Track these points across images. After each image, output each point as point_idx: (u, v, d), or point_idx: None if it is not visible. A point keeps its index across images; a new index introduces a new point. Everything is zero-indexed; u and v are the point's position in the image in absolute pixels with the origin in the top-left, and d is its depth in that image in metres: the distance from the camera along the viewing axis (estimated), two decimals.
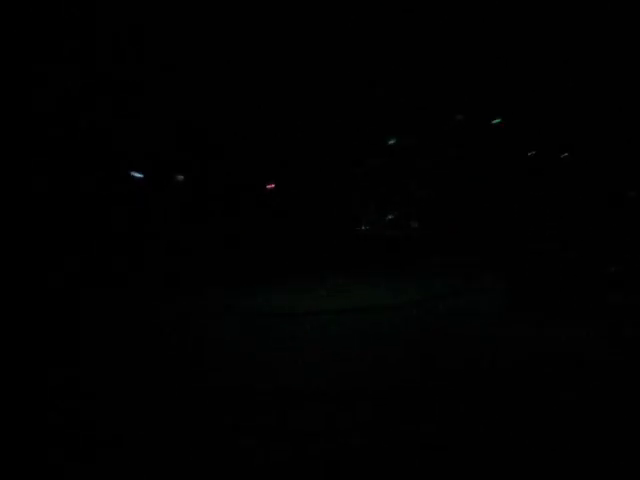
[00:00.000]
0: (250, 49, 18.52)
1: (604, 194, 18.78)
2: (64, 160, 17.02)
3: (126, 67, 17.44)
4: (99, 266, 15.35)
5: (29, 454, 4.61)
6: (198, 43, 17.93)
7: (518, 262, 11.31)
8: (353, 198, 18.54)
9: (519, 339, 8.36)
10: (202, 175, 19.07)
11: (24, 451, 4.66)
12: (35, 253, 14.92)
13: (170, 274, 14.97)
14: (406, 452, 4.61)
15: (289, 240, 17.21)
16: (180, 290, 13.37)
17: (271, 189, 18.66)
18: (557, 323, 9.27)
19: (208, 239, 17.22)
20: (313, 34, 18.24)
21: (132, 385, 6.46)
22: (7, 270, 13.18)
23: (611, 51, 18.97)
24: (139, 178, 19.17)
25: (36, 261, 14.67)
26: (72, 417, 5.47)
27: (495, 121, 19.43)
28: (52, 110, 16.75)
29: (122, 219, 17.60)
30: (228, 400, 5.89)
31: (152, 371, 7.04)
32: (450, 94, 19.86)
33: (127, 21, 17.26)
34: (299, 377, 6.61)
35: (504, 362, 7.19)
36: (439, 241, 17.61)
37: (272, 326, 9.55)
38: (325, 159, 19.02)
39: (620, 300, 10.80)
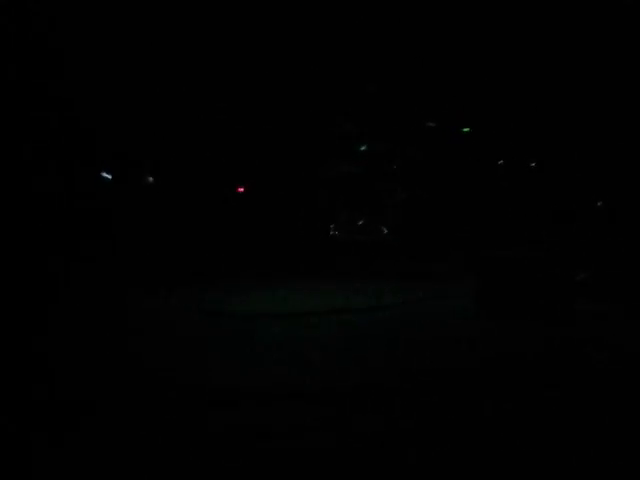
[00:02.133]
0: (217, 45, 18.47)
1: (573, 203, 19.11)
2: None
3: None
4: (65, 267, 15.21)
5: None
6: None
7: (487, 268, 11.40)
8: (324, 203, 18.59)
9: (490, 341, 8.45)
10: (172, 177, 19.00)
11: None
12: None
13: (136, 273, 14.89)
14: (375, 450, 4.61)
15: (257, 243, 17.23)
16: (145, 289, 13.31)
17: (241, 192, 18.63)
18: (525, 327, 9.38)
19: (175, 239, 17.16)
20: (283, 32, 18.28)
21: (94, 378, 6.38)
22: None
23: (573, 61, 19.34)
24: (108, 179, 19.00)
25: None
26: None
27: (465, 129, 19.67)
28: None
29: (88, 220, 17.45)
30: (180, 397, 5.86)
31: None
32: (422, 101, 20.09)
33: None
34: (260, 378, 6.58)
35: (476, 362, 7.25)
36: (409, 247, 17.75)
37: (232, 327, 9.51)
38: (297, 163, 19.07)
39: (587, 307, 10.97)
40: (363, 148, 19.16)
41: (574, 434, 4.96)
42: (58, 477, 4.17)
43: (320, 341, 8.44)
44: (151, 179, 19.57)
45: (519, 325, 9.59)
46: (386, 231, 18.58)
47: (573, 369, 7.00)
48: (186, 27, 17.61)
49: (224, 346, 8.11)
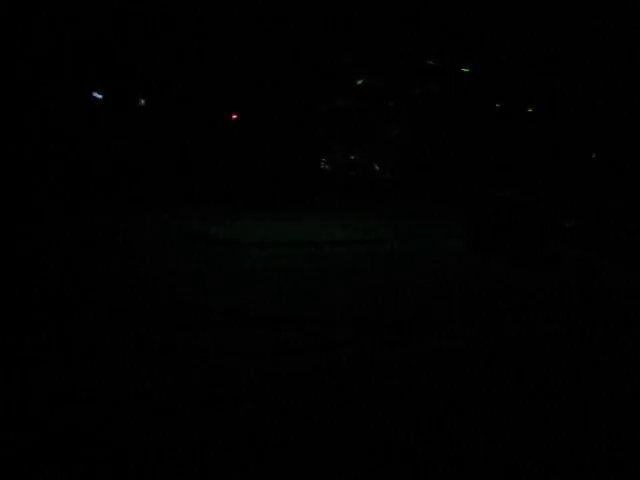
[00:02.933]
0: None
1: (568, 152, 19.02)
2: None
3: None
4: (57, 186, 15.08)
5: None
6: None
7: (477, 208, 11.35)
8: (317, 136, 18.37)
9: (479, 274, 8.45)
10: (165, 100, 18.68)
11: None
12: None
13: (128, 195, 14.80)
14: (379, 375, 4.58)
15: (248, 172, 17.09)
16: (136, 210, 13.23)
17: (235, 119, 18.34)
18: (510, 269, 9.38)
19: (168, 163, 16.99)
20: None
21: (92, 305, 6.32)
22: None
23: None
24: (98, 99, 18.65)
25: None
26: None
27: (464, 69, 19.37)
28: None
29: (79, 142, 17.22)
30: (186, 318, 5.80)
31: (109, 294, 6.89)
32: (422, 39, 19.71)
33: None
34: (256, 300, 6.52)
35: (468, 294, 7.23)
36: (401, 185, 17.67)
37: (229, 253, 9.41)
38: (293, 94, 18.74)
39: (571, 252, 11.00)
40: (360, 82, 18.83)
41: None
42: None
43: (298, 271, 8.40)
44: (143, 101, 19.22)
45: (500, 264, 9.58)
46: (378, 168, 18.44)
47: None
48: None
49: (213, 270, 8.05)
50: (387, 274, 8.24)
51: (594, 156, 19.69)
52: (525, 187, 13.87)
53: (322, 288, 7.13)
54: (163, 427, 3.51)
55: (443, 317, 6.13)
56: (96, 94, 18.81)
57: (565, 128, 19.16)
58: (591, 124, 19.15)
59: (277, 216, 13.52)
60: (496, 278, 8.42)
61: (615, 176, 17.46)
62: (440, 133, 18.84)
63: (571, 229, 12.16)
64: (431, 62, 18.84)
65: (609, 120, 18.74)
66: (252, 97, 18.00)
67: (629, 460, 3.49)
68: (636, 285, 8.49)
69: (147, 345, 4.85)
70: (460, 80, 19.05)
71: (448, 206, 15.22)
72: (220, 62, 18.01)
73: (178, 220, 12.25)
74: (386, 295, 6.98)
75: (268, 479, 3.09)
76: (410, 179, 17.58)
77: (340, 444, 3.42)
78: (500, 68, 19.34)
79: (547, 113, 19.41)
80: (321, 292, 6.93)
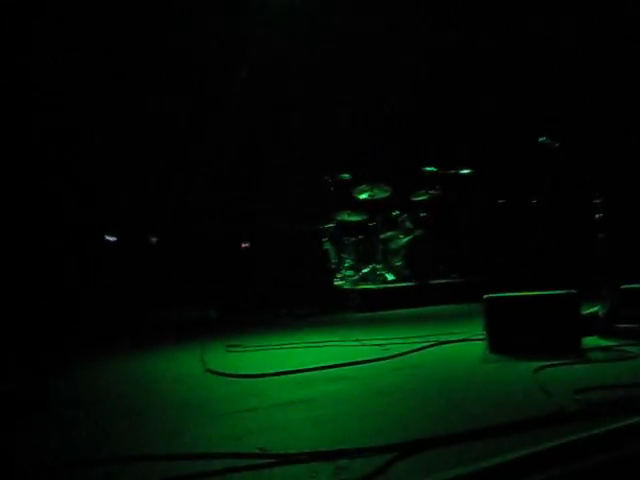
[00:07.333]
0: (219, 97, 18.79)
1: (578, 239, 19.04)
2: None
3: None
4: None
5: None
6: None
7: (496, 307, 11.25)
8: (328, 252, 18.62)
9: (503, 379, 8.28)
10: (175, 236, 19.16)
11: None
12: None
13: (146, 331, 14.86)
14: None
15: (260, 292, 17.25)
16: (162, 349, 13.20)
17: (245, 248, 18.68)
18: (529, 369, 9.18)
19: (182, 293, 17.21)
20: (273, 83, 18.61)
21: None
22: None
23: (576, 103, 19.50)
24: (112, 241, 19.13)
25: None
26: None
27: (464, 171, 19.81)
28: None
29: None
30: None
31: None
32: (420, 149, 20.34)
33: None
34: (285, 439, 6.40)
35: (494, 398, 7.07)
36: (414, 292, 17.69)
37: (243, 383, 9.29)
38: (299, 212, 19.19)
39: (594, 343, 10.77)
40: (364, 196, 19.30)
41: None
42: None
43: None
44: (155, 239, 19.69)
45: (522, 365, 9.39)
46: (391, 277, 18.56)
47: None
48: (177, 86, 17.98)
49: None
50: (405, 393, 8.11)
51: (601, 236, 19.71)
52: (540, 281, 13.80)
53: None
54: None
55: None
56: (109, 237, 19.33)
57: (572, 215, 19.33)
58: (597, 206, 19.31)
59: (296, 339, 13.40)
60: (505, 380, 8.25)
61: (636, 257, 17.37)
62: (447, 233, 19.09)
63: (597, 320, 11.95)
64: (432, 168, 19.40)
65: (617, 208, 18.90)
66: (260, 225, 18.45)
67: None
68: None
69: None
70: (461, 182, 19.50)
71: (463, 305, 15.18)
72: (226, 196, 18.60)
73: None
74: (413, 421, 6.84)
75: None
76: (422, 283, 17.67)
77: None
78: (499, 167, 19.78)
79: (552, 203, 19.66)
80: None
